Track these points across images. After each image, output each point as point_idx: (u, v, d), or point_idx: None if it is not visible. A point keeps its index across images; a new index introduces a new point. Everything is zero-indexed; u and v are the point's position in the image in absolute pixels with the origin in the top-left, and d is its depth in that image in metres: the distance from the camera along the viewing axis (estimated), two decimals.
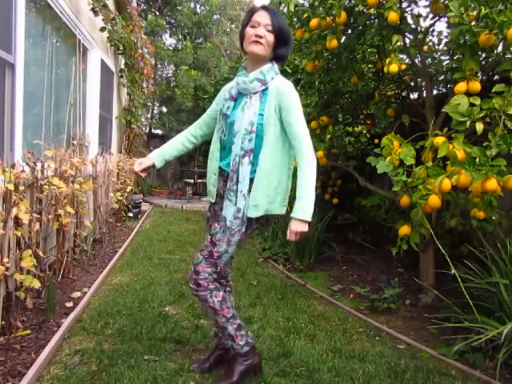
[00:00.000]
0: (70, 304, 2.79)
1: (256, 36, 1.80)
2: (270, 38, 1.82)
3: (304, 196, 1.79)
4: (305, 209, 1.78)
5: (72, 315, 2.55)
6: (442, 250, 2.42)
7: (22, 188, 2.33)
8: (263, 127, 1.82)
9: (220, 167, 1.95)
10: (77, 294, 2.97)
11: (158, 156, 2.08)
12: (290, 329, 2.67)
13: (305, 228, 1.79)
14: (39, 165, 2.76)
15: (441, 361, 2.34)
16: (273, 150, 1.83)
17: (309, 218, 1.78)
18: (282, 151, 1.86)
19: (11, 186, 2.19)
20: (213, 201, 2.00)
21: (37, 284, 2.29)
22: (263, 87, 1.86)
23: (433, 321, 2.80)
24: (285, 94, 1.83)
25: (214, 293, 1.84)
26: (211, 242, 1.87)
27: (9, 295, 2.34)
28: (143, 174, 2.05)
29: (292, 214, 1.79)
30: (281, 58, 1.91)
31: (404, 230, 2.84)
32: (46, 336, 2.31)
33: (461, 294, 2.33)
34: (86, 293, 3.00)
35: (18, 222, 2.31)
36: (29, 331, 2.34)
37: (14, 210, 2.21)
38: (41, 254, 2.61)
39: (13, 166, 2.34)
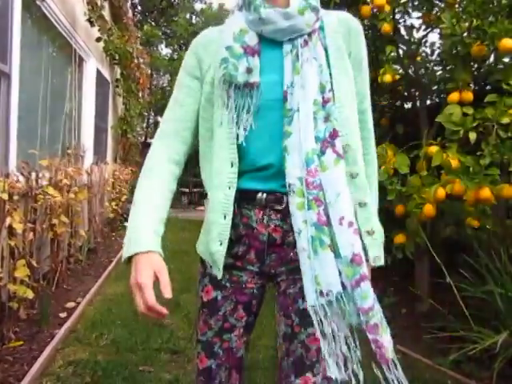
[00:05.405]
0: (63, 314, 2.76)
1: None
2: None
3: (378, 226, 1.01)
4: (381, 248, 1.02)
5: (66, 326, 2.52)
6: (437, 259, 2.43)
7: (16, 198, 2.32)
8: (338, 94, 0.98)
9: (237, 189, 0.97)
10: (71, 304, 2.95)
11: (158, 242, 0.93)
12: None
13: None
14: (34, 174, 2.76)
15: (437, 370, 2.33)
16: (356, 133, 1.00)
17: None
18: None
19: (5, 196, 2.18)
20: (219, 274, 0.99)
21: (30, 294, 2.27)
22: (318, 22, 0.99)
23: (428, 330, 2.79)
24: (359, 33, 1.03)
25: None
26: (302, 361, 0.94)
27: (2, 305, 2.32)
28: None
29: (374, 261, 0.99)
30: None
31: (399, 238, 2.85)
32: (39, 347, 2.28)
33: (456, 302, 2.34)
34: (80, 303, 2.98)
35: (11, 232, 2.29)
36: (22, 342, 2.31)
37: (8, 220, 2.20)
38: (35, 263, 2.59)
39: (7, 176, 2.33)
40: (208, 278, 1.02)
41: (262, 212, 0.98)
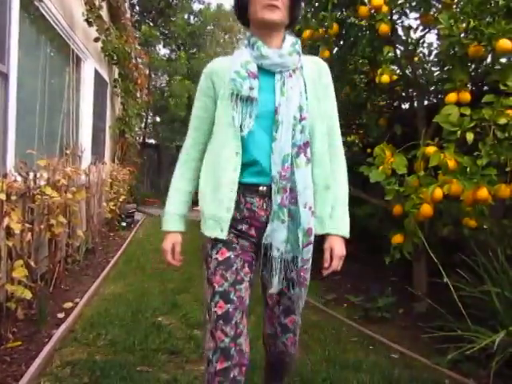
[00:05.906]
0: (61, 315, 2.76)
1: None
2: None
3: (345, 203, 1.47)
4: (347, 221, 1.47)
5: (64, 326, 2.52)
6: (435, 259, 2.44)
7: (14, 198, 2.32)
8: (311, 114, 1.41)
9: (242, 183, 1.38)
10: (69, 305, 2.94)
11: (182, 222, 1.59)
12: None
13: (344, 248, 1.46)
14: (32, 174, 2.75)
15: (435, 370, 2.34)
16: (321, 142, 1.43)
17: (348, 233, 1.47)
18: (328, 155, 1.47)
19: (3, 196, 2.18)
20: (222, 235, 1.39)
21: (28, 295, 2.27)
22: (300, 62, 1.43)
23: (426, 330, 2.80)
24: (327, 71, 1.49)
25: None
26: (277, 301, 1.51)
27: (0, 306, 2.32)
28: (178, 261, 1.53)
29: (332, 230, 1.43)
30: (294, 21, 1.50)
31: (397, 238, 2.85)
32: (37, 347, 2.28)
33: (454, 302, 2.34)
34: (78, 303, 2.97)
35: (9, 232, 2.29)
36: (20, 342, 2.31)
37: (6, 220, 2.20)
38: (32, 264, 2.58)
39: (5, 176, 2.33)
40: (221, 243, 1.38)
41: (262, 200, 1.37)
